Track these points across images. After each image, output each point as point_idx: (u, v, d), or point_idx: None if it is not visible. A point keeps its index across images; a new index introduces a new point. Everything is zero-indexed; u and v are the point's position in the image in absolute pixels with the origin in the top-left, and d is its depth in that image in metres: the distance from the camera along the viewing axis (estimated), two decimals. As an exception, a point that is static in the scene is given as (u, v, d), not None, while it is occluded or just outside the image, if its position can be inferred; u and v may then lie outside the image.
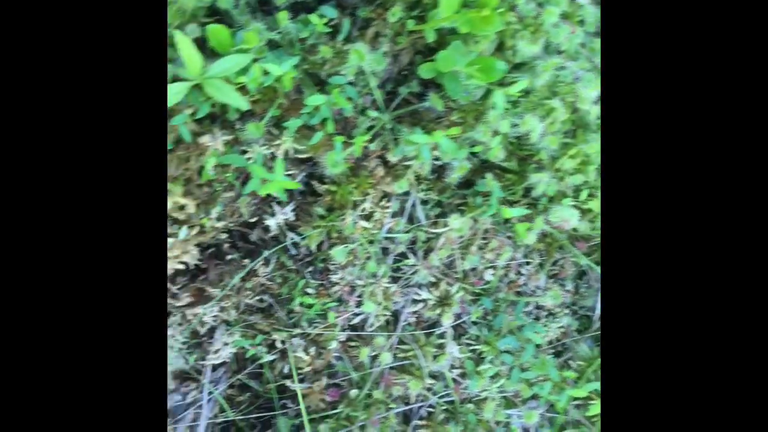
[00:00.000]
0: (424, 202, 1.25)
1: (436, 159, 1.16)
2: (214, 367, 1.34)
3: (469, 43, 1.07)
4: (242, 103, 0.92)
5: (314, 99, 1.02)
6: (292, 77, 0.97)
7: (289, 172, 1.19)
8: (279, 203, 1.22)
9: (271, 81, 0.99)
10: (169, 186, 1.12)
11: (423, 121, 1.16)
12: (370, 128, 1.14)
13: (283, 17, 1.00)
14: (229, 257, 1.26)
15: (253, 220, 1.24)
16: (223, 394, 1.34)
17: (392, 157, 1.16)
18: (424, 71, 1.08)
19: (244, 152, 1.14)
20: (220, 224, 1.21)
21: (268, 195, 1.21)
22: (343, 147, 1.08)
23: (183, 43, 0.88)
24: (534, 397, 1.27)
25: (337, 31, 1.10)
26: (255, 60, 0.99)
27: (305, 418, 1.24)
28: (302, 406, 1.25)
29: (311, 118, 1.09)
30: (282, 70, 0.96)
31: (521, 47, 1.08)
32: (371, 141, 1.13)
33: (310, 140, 1.13)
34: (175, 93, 0.94)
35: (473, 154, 1.17)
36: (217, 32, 0.96)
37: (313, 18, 1.02)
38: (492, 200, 1.17)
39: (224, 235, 1.25)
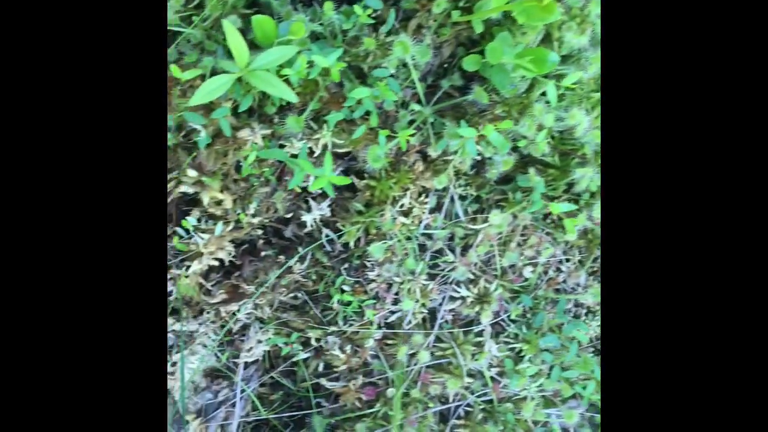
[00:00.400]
0: (462, 198, 1.23)
1: (477, 154, 1.13)
2: (246, 365, 1.32)
3: (515, 35, 1.04)
4: (291, 96, 0.90)
5: (358, 92, 1.00)
6: (339, 69, 0.94)
7: (326, 167, 1.16)
8: (314, 199, 1.20)
9: (316, 73, 0.96)
10: (207, 180, 1.10)
11: (466, 115, 1.13)
12: (410, 122, 1.12)
13: (329, 8, 0.97)
14: (263, 254, 1.23)
15: (288, 215, 1.22)
16: (255, 392, 1.32)
17: (433, 152, 1.14)
18: (469, 63, 1.06)
19: (282, 146, 1.11)
20: (255, 220, 1.19)
21: (303, 190, 1.19)
22: (386, 141, 1.05)
23: (231, 34, 0.86)
24: (574, 396, 1.25)
25: (379, 22, 1.07)
26: (298, 52, 0.96)
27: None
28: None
29: (353, 111, 1.06)
30: (328, 62, 0.93)
31: (568, 39, 1.05)
32: (412, 135, 1.10)
33: (349, 134, 1.11)
34: (218, 86, 0.91)
35: (514, 148, 1.15)
36: (262, 23, 0.93)
37: (357, 9, 0.99)
38: (535, 196, 1.14)
39: (259, 231, 1.23)
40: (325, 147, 1.11)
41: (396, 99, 1.06)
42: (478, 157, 1.16)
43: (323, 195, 1.19)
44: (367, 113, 1.07)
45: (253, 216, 1.18)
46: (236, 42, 0.87)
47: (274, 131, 1.10)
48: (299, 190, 1.18)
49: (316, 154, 1.12)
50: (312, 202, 1.19)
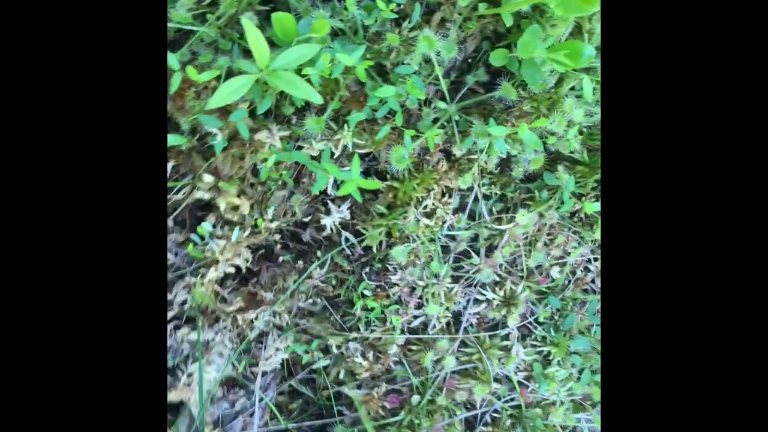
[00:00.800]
0: (487, 197, 1.19)
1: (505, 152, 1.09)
2: (263, 373, 1.28)
3: (544, 27, 0.99)
4: (316, 97, 0.85)
5: (383, 91, 0.95)
6: (366, 68, 0.90)
7: (345, 168, 1.11)
8: (333, 201, 1.15)
9: (339, 72, 0.91)
10: (224, 186, 1.05)
11: (491, 112, 1.08)
12: (434, 120, 1.07)
13: (352, 3, 0.92)
14: (281, 259, 1.19)
15: (306, 219, 1.17)
16: (273, 401, 1.28)
17: (457, 151, 1.09)
18: (496, 58, 1.01)
19: (299, 148, 1.06)
20: (272, 225, 1.14)
21: (322, 193, 1.14)
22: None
23: (251, 32, 0.80)
24: (605, 399, 1.21)
25: (401, 17, 1.02)
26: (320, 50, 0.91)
27: (368, 425, 1.18)
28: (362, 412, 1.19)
29: (375, 111, 1.01)
30: (353, 59, 0.88)
31: (600, 30, 1.00)
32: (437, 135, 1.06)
33: (371, 134, 1.06)
34: (237, 87, 0.86)
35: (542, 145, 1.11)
36: (282, 20, 0.88)
37: (380, 3, 0.94)
38: (565, 195, 1.10)
39: (276, 236, 1.18)
40: (345, 148, 1.07)
41: (422, 97, 1.01)
42: (502, 155, 1.12)
43: (342, 197, 1.15)
44: (390, 112, 1.02)
45: (271, 221, 1.13)
46: (257, 41, 0.81)
47: (292, 132, 1.05)
48: (318, 193, 1.14)
49: (336, 156, 1.07)
50: (331, 205, 1.15)
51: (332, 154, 1.07)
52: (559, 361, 1.20)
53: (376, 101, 0.99)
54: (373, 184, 0.89)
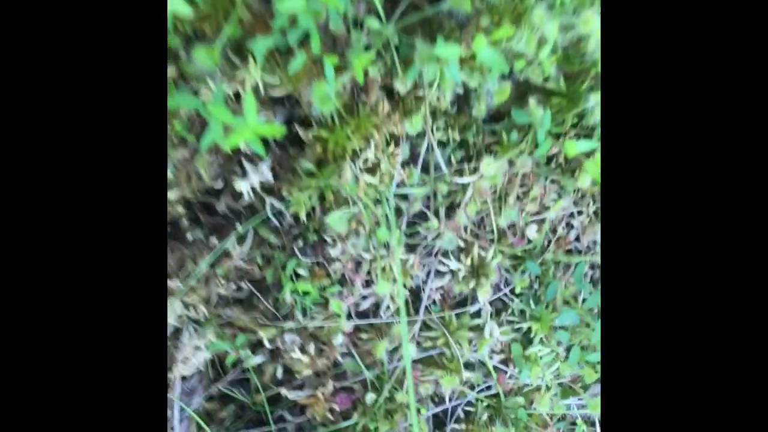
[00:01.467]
0: (443, 144, 0.95)
1: (460, 83, 0.86)
2: (184, 378, 1.05)
3: None
4: (182, 6, 0.60)
5: (291, 3, 0.70)
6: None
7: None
8: (251, 160, 0.91)
9: (226, -21, 0.66)
10: (94, 148, 0.80)
11: (442, 32, 0.85)
12: (367, 47, 0.83)
13: None
14: (190, 236, 0.95)
15: (218, 185, 0.93)
16: (200, 408, 1.05)
17: (401, 86, 0.85)
18: (442, -43, 0.76)
19: (195, 93, 0.82)
20: (173, 194, 0.90)
21: (237, 150, 0.90)
22: (336, 74, 0.77)
23: None
24: (599, 381, 1.00)
25: None
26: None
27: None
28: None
29: (286, 35, 0.77)
30: (240, -42, 0.63)
31: None
32: (372, 62, 0.82)
33: (287, 68, 0.81)
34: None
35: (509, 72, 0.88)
36: None
37: None
38: (540, 135, 0.87)
39: (180, 209, 0.94)
40: (254, 89, 0.82)
41: (344, 13, 0.77)
42: (459, 90, 0.89)
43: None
44: (307, 37, 0.77)
45: (171, 189, 0.89)
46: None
47: (182, 71, 0.80)
48: (231, 151, 0.90)
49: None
50: (247, 165, 0.90)
51: (238, 97, 0.82)
52: (541, 338, 0.99)
53: (285, 21, 0.74)
54: (274, 129, 0.65)
